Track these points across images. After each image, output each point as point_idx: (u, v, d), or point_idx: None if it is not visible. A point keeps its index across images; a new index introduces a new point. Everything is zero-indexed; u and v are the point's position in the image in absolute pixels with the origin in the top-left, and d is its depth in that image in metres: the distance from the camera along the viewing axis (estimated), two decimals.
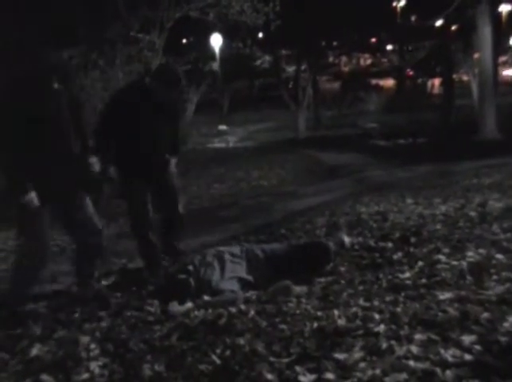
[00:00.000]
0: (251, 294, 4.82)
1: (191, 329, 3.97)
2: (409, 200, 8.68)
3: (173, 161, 6.11)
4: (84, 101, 10.67)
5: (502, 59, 33.80)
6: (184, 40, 29.70)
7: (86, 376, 3.35)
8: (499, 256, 4.92)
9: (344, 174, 13.67)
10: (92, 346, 3.84)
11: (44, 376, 3.29)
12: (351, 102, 30.75)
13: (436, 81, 36.69)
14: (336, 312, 3.99)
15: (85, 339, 3.98)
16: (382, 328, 3.54)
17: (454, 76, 28.14)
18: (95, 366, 3.47)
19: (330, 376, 2.97)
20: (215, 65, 28.01)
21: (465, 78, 30.29)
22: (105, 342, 3.91)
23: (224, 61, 28.32)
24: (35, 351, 3.83)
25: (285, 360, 3.24)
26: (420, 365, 2.94)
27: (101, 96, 11.11)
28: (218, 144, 23.13)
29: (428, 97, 36.08)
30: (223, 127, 27.96)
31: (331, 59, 43.42)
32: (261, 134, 25.76)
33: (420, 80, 39.33)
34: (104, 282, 5.60)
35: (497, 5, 23.71)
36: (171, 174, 6.08)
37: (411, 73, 39.10)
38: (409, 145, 19.68)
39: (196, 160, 15.84)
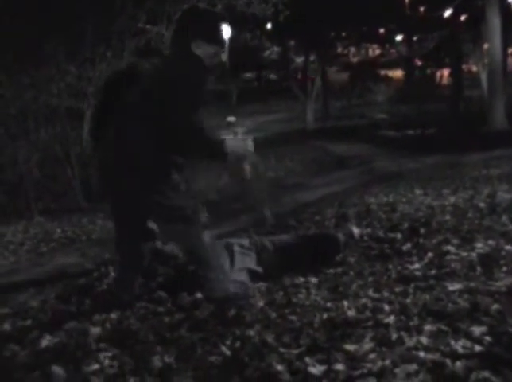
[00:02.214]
0: (261, 285, 4.82)
1: (200, 321, 3.97)
2: (418, 191, 8.66)
3: None
4: (92, 94, 10.69)
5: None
6: None
7: (96, 367, 3.35)
8: (509, 247, 4.91)
9: (353, 165, 13.66)
10: (102, 337, 3.85)
11: (54, 367, 3.29)
12: (360, 92, 30.62)
13: (445, 72, 36.54)
14: (346, 303, 3.99)
15: (95, 330, 3.99)
16: (391, 319, 3.53)
17: (463, 66, 28.03)
18: (104, 357, 3.48)
19: (340, 367, 2.96)
20: (224, 56, 27.96)
21: (474, 69, 30.14)
22: (115, 333, 3.92)
23: (232, 52, 28.27)
24: (45, 342, 3.84)
25: (295, 351, 3.23)
26: (430, 356, 2.93)
27: None
28: (226, 136, 23.07)
29: (436, 88, 35.95)
30: (231, 119, 27.87)
31: (339, 50, 43.22)
32: (270, 125, 25.73)
33: (428, 71, 39.18)
34: (113, 274, 5.60)
35: None
36: None
37: (420, 64, 38.95)
38: (417, 136, 19.61)
39: None
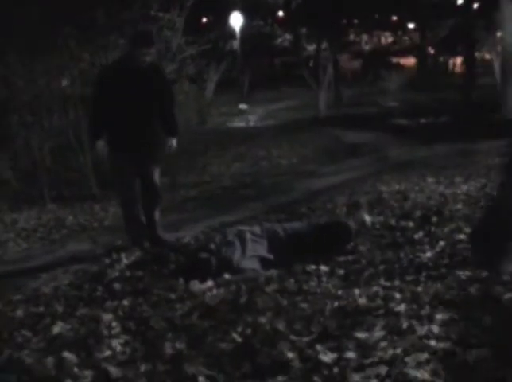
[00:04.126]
0: (272, 272, 4.82)
1: (212, 308, 3.98)
2: (431, 179, 8.62)
3: (172, 141, 6.27)
4: None
5: None
6: (204, 19, 29.58)
7: (108, 353, 3.36)
8: None
9: (365, 153, 13.59)
10: (114, 324, 3.86)
11: (67, 354, 3.30)
12: (372, 80, 30.46)
13: (458, 60, 36.32)
14: (357, 291, 3.98)
15: (107, 317, 4.00)
16: (402, 307, 3.53)
17: (476, 54, 27.82)
18: (116, 344, 3.49)
19: (351, 354, 2.96)
20: (235, 44, 27.87)
21: (487, 56, 29.93)
22: (126, 320, 3.93)
23: (244, 40, 28.17)
24: (57, 329, 3.85)
25: (306, 339, 3.23)
26: (441, 345, 2.92)
27: None
28: (238, 123, 23.06)
29: (449, 76, 35.73)
30: (243, 106, 27.84)
31: (351, 37, 43.00)
32: (282, 112, 25.63)
33: (441, 59, 38.94)
34: (125, 261, 5.62)
35: None
36: (158, 157, 6.26)
37: (432, 52, 38.71)
38: (430, 123, 19.49)
39: (216, 139, 15.80)
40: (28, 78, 9.97)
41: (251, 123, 23.21)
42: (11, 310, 4.48)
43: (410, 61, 41.21)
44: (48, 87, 10.07)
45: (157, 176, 6.19)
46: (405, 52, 42.89)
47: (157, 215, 6.24)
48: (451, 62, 39.14)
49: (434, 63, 38.54)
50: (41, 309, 4.46)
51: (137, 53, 5.86)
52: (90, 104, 6.51)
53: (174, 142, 6.28)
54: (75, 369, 3.15)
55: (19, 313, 4.39)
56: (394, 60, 41.15)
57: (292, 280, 4.52)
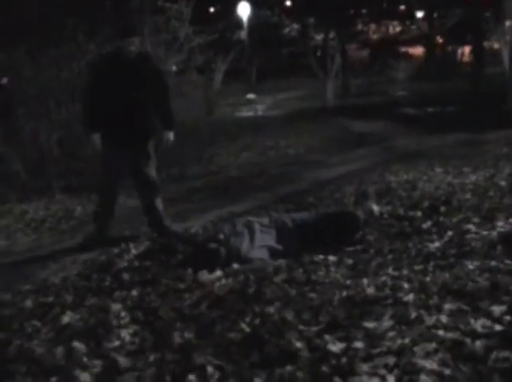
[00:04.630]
0: (280, 262, 4.83)
1: (220, 298, 3.99)
2: (439, 169, 8.60)
3: (168, 134, 6.21)
4: None
5: None
6: (212, 9, 29.51)
7: (117, 343, 3.38)
8: None
9: (373, 143, 13.55)
10: (123, 314, 3.87)
11: (76, 344, 3.32)
12: (380, 70, 30.31)
13: (467, 49, 36.11)
14: (365, 281, 3.99)
15: (116, 307, 4.02)
16: (411, 297, 3.52)
17: (484, 43, 27.65)
18: (125, 334, 3.50)
19: (359, 344, 2.96)
20: (243, 34, 27.78)
21: (496, 46, 29.75)
22: (135, 310, 3.95)
23: (252, 30, 28.08)
24: (66, 319, 3.87)
25: (315, 329, 3.24)
26: (449, 335, 2.92)
27: None
28: (246, 113, 23.01)
29: (457, 65, 35.54)
30: (251, 96, 27.77)
31: (359, 27, 42.81)
32: (290, 102, 25.54)
33: (450, 48, 38.74)
34: (134, 251, 5.63)
35: None
36: (153, 147, 6.24)
37: (441, 41, 38.52)
38: (438, 113, 19.41)
39: (224, 129, 15.77)
40: (35, 70, 9.97)
41: (259, 113, 23.13)
42: (20, 300, 4.50)
43: (418, 51, 40.98)
44: (56, 78, 10.06)
45: (151, 169, 6.17)
46: (413, 42, 42.67)
47: (159, 206, 6.22)
48: (459, 51, 38.86)
49: (442, 52, 38.33)
50: (50, 299, 4.48)
51: (122, 45, 5.88)
52: (83, 96, 6.49)
53: (171, 135, 6.23)
54: (85, 359, 3.17)
55: (28, 303, 4.41)
56: (402, 49, 40.91)
57: (300, 270, 4.52)
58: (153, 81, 6.07)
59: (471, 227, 5.08)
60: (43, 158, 9.92)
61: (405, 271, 4.14)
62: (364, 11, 39.68)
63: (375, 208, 6.04)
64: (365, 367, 2.75)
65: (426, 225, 5.41)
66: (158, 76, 6.21)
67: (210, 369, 2.90)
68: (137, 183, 6.18)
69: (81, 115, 6.68)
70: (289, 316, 3.44)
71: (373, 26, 47.00)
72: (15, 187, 9.47)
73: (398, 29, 49.22)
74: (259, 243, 5.10)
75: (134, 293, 4.36)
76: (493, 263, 4.01)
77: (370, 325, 3.17)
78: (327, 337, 3.10)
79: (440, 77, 28.14)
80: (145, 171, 6.10)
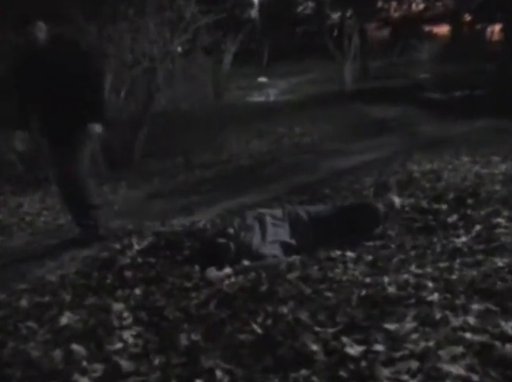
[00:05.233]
0: (294, 258, 4.83)
1: (230, 297, 4.00)
2: (466, 158, 8.56)
3: (94, 127, 5.94)
4: (112, 54, 10.71)
5: None
6: None
7: (119, 345, 3.39)
8: None
9: (394, 129, 13.52)
10: (125, 314, 3.89)
11: (75, 346, 3.34)
12: (402, 51, 30.24)
13: (497, 27, 35.94)
14: (386, 279, 3.98)
15: (118, 307, 4.03)
16: (435, 297, 3.51)
17: None
18: (128, 335, 3.52)
19: (379, 347, 2.96)
20: (254, 12, 27.77)
21: None
22: (139, 310, 3.96)
23: (263, 8, 28.05)
24: (65, 319, 3.89)
25: (331, 330, 3.24)
26: (477, 338, 2.91)
27: (130, 48, 11.11)
28: (257, 97, 22.99)
29: (486, 45, 35.38)
30: (262, 79, 27.75)
31: (379, 4, 42.62)
32: (305, 86, 25.50)
33: (478, 26, 38.54)
34: (137, 247, 5.64)
35: None
36: (81, 141, 6.06)
37: (468, 19, 38.31)
38: (465, 97, 19.34)
39: (234, 115, 15.78)
40: None
41: (271, 98, 23.12)
42: (15, 300, 4.52)
43: (444, 29, 40.80)
44: None
45: (76, 164, 6.02)
46: (438, 20, 42.45)
47: (82, 201, 6.18)
48: (488, 30, 38.71)
49: (470, 31, 38.16)
50: (47, 298, 4.50)
51: (27, 35, 5.82)
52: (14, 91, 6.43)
53: (97, 127, 5.95)
54: (85, 363, 3.19)
55: (23, 303, 4.42)
56: (426, 28, 40.77)
57: (315, 267, 4.52)
58: (76, 69, 5.87)
59: (500, 220, 5.06)
60: (38, 147, 9.95)
61: (429, 269, 4.13)
62: None
63: (397, 200, 6.02)
64: (386, 372, 2.74)
65: (452, 219, 5.39)
66: (83, 62, 5.96)
67: (219, 373, 2.91)
68: (59, 178, 6.15)
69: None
70: (304, 316, 3.44)
71: (394, 3, 46.80)
72: (10, 179, 9.51)
73: (422, 6, 49.00)
74: (271, 238, 5.10)
75: (137, 292, 4.37)
76: None
77: (391, 326, 3.16)
78: (344, 339, 3.10)
79: (467, 58, 28.02)
80: (66, 167, 5.98)
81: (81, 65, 5.91)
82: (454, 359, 2.75)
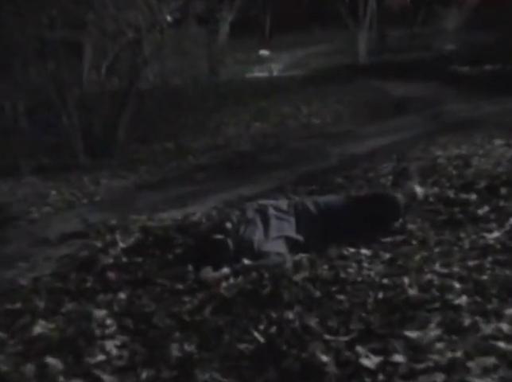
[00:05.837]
0: (301, 257, 4.83)
1: (228, 301, 4.01)
2: (499, 141, 8.56)
3: None
4: (92, 23, 10.70)
5: None
6: None
7: (100, 357, 3.40)
8: None
9: (416, 109, 13.53)
10: (108, 322, 3.90)
11: (50, 359, 3.35)
12: (425, 18, 30.22)
13: None
14: (406, 279, 3.99)
15: (99, 313, 4.04)
16: (463, 300, 3.52)
17: None
18: (111, 346, 3.53)
19: (399, 358, 2.97)
20: None
21: None
22: (124, 317, 3.97)
23: None
24: (38, 329, 3.90)
25: (344, 339, 3.25)
26: (511, 347, 2.92)
27: (113, 16, 11.09)
28: (259, 73, 23.00)
29: None
30: (264, 52, 27.76)
31: None
32: (313, 59, 25.49)
33: None
34: (121, 245, 5.65)
35: None
36: None
37: None
38: (497, 71, 19.33)
39: (232, 93, 15.79)
40: None
41: (275, 73, 23.14)
42: None
43: None
44: (23, 34, 10.06)
45: None
46: None
47: None
48: None
49: None
50: (18, 305, 4.50)
51: None
52: None
53: None
54: (61, 378, 3.20)
55: None
56: None
57: (325, 266, 4.53)
58: None
59: None
60: (7, 131, 9.97)
61: (455, 268, 4.14)
62: None
63: (419, 189, 6.01)
64: None
65: (482, 211, 5.39)
66: None
67: None
68: None
69: None
70: (312, 323, 3.45)
71: None
72: None
73: None
74: (275, 234, 5.10)
75: (122, 296, 4.38)
76: None
77: (412, 334, 3.17)
78: (359, 348, 3.11)
79: (499, 27, 27.97)
80: None
81: None
82: (485, 371, 2.75)
